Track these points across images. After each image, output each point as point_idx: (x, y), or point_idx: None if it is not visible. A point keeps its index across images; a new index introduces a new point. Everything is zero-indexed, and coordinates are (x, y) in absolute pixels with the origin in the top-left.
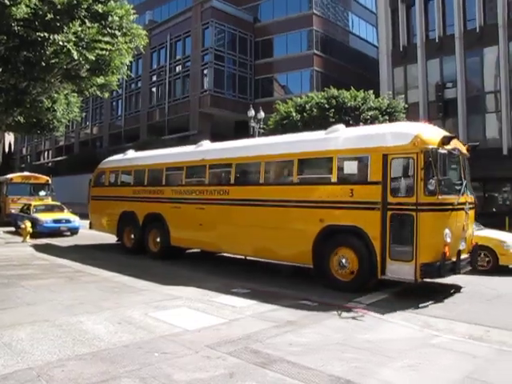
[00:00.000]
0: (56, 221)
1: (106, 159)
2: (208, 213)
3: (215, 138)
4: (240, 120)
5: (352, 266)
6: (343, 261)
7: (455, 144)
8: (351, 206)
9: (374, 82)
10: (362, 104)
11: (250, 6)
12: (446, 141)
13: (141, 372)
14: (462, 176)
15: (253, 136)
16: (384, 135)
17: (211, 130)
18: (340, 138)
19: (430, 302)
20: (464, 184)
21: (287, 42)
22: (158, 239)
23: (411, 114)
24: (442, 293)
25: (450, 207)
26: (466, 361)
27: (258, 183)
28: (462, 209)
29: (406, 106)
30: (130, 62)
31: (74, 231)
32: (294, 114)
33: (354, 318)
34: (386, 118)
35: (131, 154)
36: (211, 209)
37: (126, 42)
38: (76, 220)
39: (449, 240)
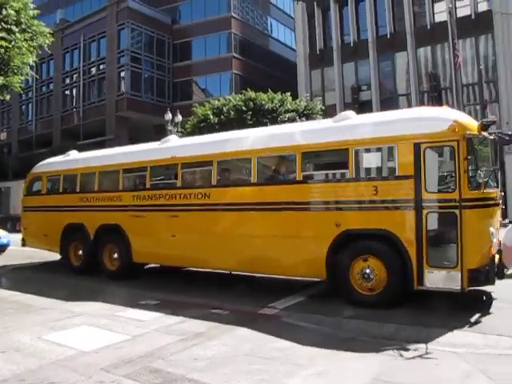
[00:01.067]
0: None
1: (42, 162)
2: (183, 221)
3: (133, 142)
4: (159, 124)
5: (379, 278)
6: (367, 271)
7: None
8: (376, 206)
9: (292, 85)
10: (280, 106)
11: (168, 8)
12: (485, 126)
13: None
14: (496, 165)
15: None
16: (413, 121)
17: (129, 134)
18: (355, 125)
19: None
20: (499, 175)
21: (206, 44)
22: (116, 255)
23: (329, 115)
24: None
25: (493, 202)
26: (374, 362)
27: (250, 183)
28: (499, 203)
29: (323, 107)
30: (37, 63)
31: (1, 249)
32: (211, 117)
33: (266, 325)
34: (304, 119)
35: (75, 154)
36: (187, 216)
37: (26, 40)
38: (4, 235)
39: (495, 240)
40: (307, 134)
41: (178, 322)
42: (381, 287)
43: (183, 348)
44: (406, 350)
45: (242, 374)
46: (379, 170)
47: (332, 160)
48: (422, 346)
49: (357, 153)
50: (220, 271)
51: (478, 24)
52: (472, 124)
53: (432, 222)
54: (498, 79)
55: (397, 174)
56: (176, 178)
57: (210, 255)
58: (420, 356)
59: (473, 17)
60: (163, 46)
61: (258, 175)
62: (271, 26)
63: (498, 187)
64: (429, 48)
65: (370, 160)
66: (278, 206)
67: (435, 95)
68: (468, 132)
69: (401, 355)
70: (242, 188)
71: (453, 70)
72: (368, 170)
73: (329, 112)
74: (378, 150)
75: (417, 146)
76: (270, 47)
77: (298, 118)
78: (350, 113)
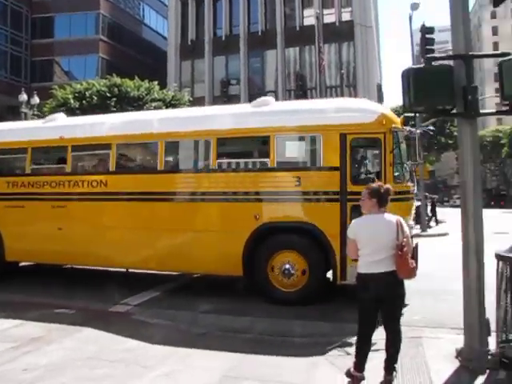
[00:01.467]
0: None
1: None
2: (72, 212)
3: None
4: (14, 105)
5: (300, 273)
6: (288, 267)
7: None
8: (298, 198)
9: (162, 74)
10: (146, 94)
11: None
12: (406, 121)
13: None
14: (420, 160)
15: None
16: (340, 111)
17: None
18: (277, 112)
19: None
20: (414, 169)
21: (71, 23)
22: None
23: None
24: (221, 286)
25: (412, 196)
26: (225, 358)
27: (156, 170)
28: (413, 198)
29: (191, 99)
30: None
31: None
32: (72, 101)
33: (116, 323)
34: (170, 109)
35: None
36: (78, 207)
37: None
38: None
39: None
40: (224, 119)
41: (14, 325)
42: (302, 283)
43: (14, 357)
44: (259, 342)
45: (81, 380)
46: (303, 160)
47: (251, 148)
48: (278, 338)
49: (279, 141)
50: (114, 269)
51: (342, 32)
52: (396, 118)
53: (357, 215)
54: (356, 84)
55: (321, 165)
56: (65, 162)
57: (106, 251)
58: (273, 348)
59: (337, 24)
60: (20, 18)
61: (166, 162)
62: (144, 11)
63: (413, 181)
64: (297, 49)
65: (293, 149)
66: (188, 196)
67: (301, 94)
68: (394, 125)
69: (254, 348)
70: (147, 176)
71: (318, 72)
72: (291, 160)
73: (197, 104)
74: (302, 138)
75: (343, 137)
76: (141, 33)
77: (164, 107)
78: (270, 99)
